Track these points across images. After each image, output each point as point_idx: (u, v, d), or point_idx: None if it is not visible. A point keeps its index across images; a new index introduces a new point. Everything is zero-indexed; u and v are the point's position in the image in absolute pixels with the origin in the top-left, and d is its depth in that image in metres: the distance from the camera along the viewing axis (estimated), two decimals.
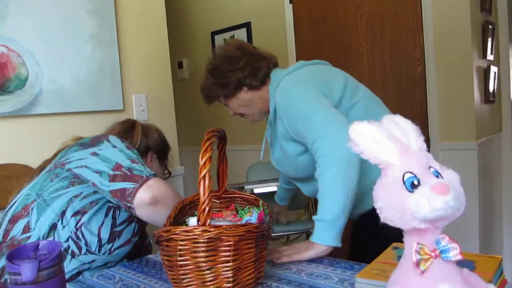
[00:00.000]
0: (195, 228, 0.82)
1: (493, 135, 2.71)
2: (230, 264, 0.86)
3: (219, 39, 3.48)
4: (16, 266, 0.67)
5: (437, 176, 0.61)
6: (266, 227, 0.93)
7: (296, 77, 1.33)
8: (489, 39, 2.58)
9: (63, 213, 1.16)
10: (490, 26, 2.59)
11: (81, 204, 1.18)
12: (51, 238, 1.15)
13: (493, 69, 2.66)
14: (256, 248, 0.91)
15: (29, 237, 1.16)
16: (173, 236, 0.84)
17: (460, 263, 0.75)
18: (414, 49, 2.51)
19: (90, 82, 1.88)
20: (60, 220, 1.15)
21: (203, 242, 0.83)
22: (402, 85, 2.56)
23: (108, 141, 1.23)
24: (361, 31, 2.68)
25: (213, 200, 1.12)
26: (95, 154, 1.19)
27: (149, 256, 1.27)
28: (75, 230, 1.16)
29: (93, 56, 1.88)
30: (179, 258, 0.85)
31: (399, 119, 0.67)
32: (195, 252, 0.84)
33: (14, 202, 1.23)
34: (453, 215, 0.59)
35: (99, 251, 1.19)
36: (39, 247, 0.74)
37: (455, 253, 0.60)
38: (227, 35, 3.41)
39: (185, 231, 0.83)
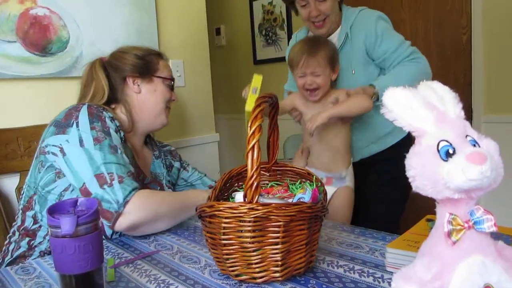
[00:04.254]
0: (241, 205, 0.76)
1: None
2: (279, 246, 0.78)
3: (257, 5, 3.42)
4: (56, 220, 0.71)
5: (474, 145, 0.59)
6: (321, 207, 0.84)
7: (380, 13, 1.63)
8: None
9: None
10: None
11: (72, 197, 1.12)
12: None
13: None
14: (309, 230, 0.82)
15: (40, 227, 1.17)
16: (216, 212, 0.78)
17: (498, 237, 0.73)
18: (460, 17, 2.38)
19: None
20: None
21: (249, 221, 0.76)
22: (446, 54, 2.45)
23: (77, 125, 1.13)
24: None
25: (262, 172, 1.05)
26: (62, 152, 1.12)
27: None
28: None
29: (131, 20, 1.90)
30: (223, 237, 0.79)
31: (436, 85, 0.65)
32: (241, 231, 0.77)
33: (23, 192, 1.23)
34: (489, 186, 0.57)
35: (110, 237, 1.17)
36: (78, 204, 0.77)
37: (489, 225, 0.58)
38: (265, 1, 3.35)
39: (230, 207, 0.76)
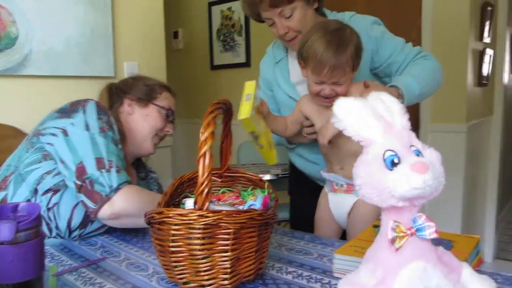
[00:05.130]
0: (191, 212, 0.75)
1: (483, 118, 2.72)
2: (228, 254, 0.78)
3: (216, 10, 3.42)
4: None
5: (418, 155, 0.61)
6: (271, 214, 0.84)
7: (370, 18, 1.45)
8: (487, 21, 2.56)
9: (36, 190, 1.11)
10: (489, 8, 2.56)
11: (54, 182, 1.11)
12: None
13: (489, 52, 2.65)
14: (259, 237, 0.82)
15: None
16: (165, 219, 0.76)
17: (439, 242, 0.76)
18: (411, 30, 2.48)
19: (81, 46, 1.85)
20: (34, 198, 1.11)
21: (199, 228, 0.75)
22: None
23: (84, 112, 1.15)
24: (360, 7, 2.64)
25: (214, 178, 1.04)
26: (65, 133, 1.11)
27: None
28: (47, 210, 1.10)
29: (85, 18, 1.85)
30: (172, 244, 0.77)
31: (385, 96, 0.67)
32: (190, 238, 0.76)
33: None
34: (431, 194, 0.59)
35: (69, 235, 1.14)
36: (18, 209, 0.73)
37: (431, 232, 0.61)
38: (224, 6, 3.35)
39: (180, 214, 0.75)
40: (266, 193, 0.96)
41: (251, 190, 1.03)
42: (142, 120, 1.33)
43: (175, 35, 3.70)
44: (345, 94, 1.21)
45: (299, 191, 1.64)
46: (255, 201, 0.89)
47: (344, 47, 1.16)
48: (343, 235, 1.31)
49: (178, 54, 3.71)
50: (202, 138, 0.75)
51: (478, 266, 0.88)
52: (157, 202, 1.07)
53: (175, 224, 0.76)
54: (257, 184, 1.04)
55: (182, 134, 3.51)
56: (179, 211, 0.76)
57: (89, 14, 1.85)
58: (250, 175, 1.06)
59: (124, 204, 1.07)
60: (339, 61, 1.15)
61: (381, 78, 1.43)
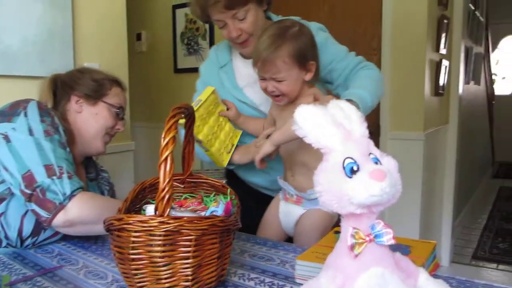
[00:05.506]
0: (152, 219, 0.73)
1: (440, 126, 2.82)
2: (189, 260, 0.77)
3: (180, 13, 3.39)
4: None
5: (376, 163, 0.62)
6: (233, 221, 0.84)
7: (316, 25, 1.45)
8: (443, 33, 2.66)
9: None
10: (445, 21, 2.66)
11: None
12: None
13: (445, 63, 2.75)
14: (221, 243, 0.82)
15: None
16: (125, 225, 0.75)
17: (397, 248, 0.78)
18: (372, 39, 2.55)
19: (39, 45, 1.79)
20: None
21: (159, 235, 0.74)
22: None
23: (26, 114, 1.08)
24: (322, 15, 2.69)
25: (176, 184, 1.04)
26: (7, 139, 1.05)
27: None
28: None
29: (43, 17, 1.79)
30: (132, 251, 0.75)
31: (344, 104, 0.68)
32: (151, 245, 0.75)
33: None
34: (389, 201, 0.61)
35: (21, 245, 1.10)
36: None
37: (388, 238, 0.62)
38: (188, 9, 3.32)
39: (140, 221, 0.74)
40: (228, 199, 0.96)
41: (214, 196, 1.03)
42: (91, 119, 1.26)
43: (138, 37, 3.64)
44: (291, 93, 1.20)
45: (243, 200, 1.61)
46: (217, 207, 0.89)
47: (280, 42, 1.15)
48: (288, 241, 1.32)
49: (141, 57, 3.65)
50: (163, 143, 0.74)
51: (434, 271, 0.91)
52: (112, 208, 1.04)
53: (135, 231, 0.74)
54: (220, 190, 1.03)
55: (144, 138, 3.45)
56: (139, 217, 0.75)
57: (48, 13, 1.80)
58: (213, 180, 1.05)
59: (79, 211, 1.03)
60: (271, 55, 1.14)
61: (324, 84, 1.43)
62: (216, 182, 1.05)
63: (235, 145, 1.36)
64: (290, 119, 1.16)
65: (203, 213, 0.91)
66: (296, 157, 1.24)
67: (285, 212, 1.29)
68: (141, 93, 3.53)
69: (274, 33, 1.18)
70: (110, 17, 2.09)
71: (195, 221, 0.76)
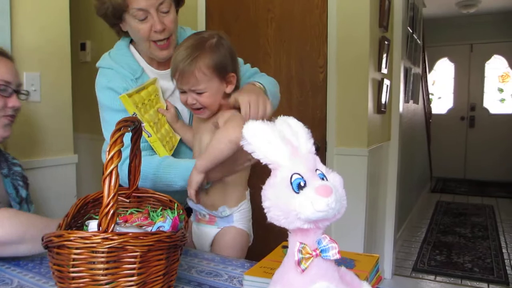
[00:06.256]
0: (94, 235, 0.71)
1: (382, 143, 2.93)
2: (134, 278, 0.74)
3: None
4: None
5: (323, 179, 0.64)
6: (181, 236, 0.81)
7: None
8: (384, 54, 2.79)
9: None
10: (386, 42, 2.79)
11: None
12: None
13: (386, 82, 2.88)
14: (167, 260, 0.80)
15: None
16: (66, 242, 0.71)
17: (342, 262, 0.79)
18: (318, 57, 2.62)
19: None
20: None
21: (103, 252, 0.71)
22: (305, 89, 2.67)
23: None
24: (270, 33, 2.74)
25: (121, 199, 1.01)
26: None
27: None
28: None
29: None
30: (72, 269, 0.72)
31: (292, 121, 0.70)
32: (93, 263, 0.72)
33: None
34: (334, 216, 0.62)
35: None
36: None
37: (334, 253, 0.63)
38: None
39: (82, 237, 0.71)
40: (175, 214, 0.94)
41: (161, 211, 1.00)
42: None
43: (83, 47, 3.54)
44: (212, 105, 1.19)
45: None
46: (164, 222, 0.87)
47: (198, 53, 1.14)
48: None
49: (86, 67, 3.54)
50: (109, 156, 0.72)
51: (377, 283, 0.93)
52: (37, 226, 1.00)
53: (76, 248, 0.71)
54: (167, 204, 1.01)
55: (87, 150, 3.33)
56: (81, 233, 0.72)
57: None
58: (159, 195, 1.03)
59: (0, 231, 0.96)
60: (189, 67, 1.13)
61: None
62: (163, 196, 1.03)
63: (175, 146, 1.34)
64: (204, 135, 1.21)
65: (149, 229, 0.89)
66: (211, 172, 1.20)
67: (198, 234, 1.28)
68: (85, 104, 3.41)
69: (191, 44, 1.16)
70: (52, 24, 2.01)
71: (141, 237, 0.73)
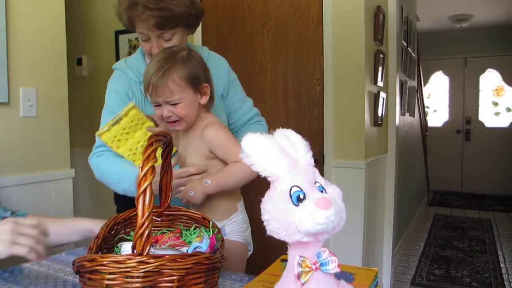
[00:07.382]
0: (129, 258, 0.65)
1: (379, 155, 2.93)
2: None
3: (123, 39, 3.35)
4: None
5: (322, 191, 0.63)
6: (219, 258, 0.76)
7: None
8: (380, 67, 2.81)
9: None
10: (381, 55, 2.81)
11: None
12: None
13: (382, 95, 2.89)
14: (205, 283, 0.74)
15: None
16: (98, 267, 0.66)
17: (341, 275, 0.79)
18: (314, 70, 2.63)
19: None
20: None
21: (138, 277, 0.66)
22: (302, 102, 2.67)
23: None
24: (266, 46, 2.76)
25: (153, 218, 0.94)
26: None
27: (25, 265, 1.15)
28: None
29: None
30: None
31: (290, 133, 0.69)
32: None
33: None
34: (334, 229, 0.62)
35: None
36: None
37: (333, 266, 0.63)
38: (132, 35, 3.29)
39: (116, 261, 0.65)
40: (211, 233, 0.89)
41: (194, 229, 0.96)
42: None
43: (79, 61, 3.55)
44: (189, 117, 1.21)
45: None
46: (201, 242, 0.82)
47: (169, 65, 1.16)
48: None
49: (82, 82, 3.55)
50: (142, 173, 0.66)
51: None
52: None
53: (110, 273, 0.66)
54: (200, 222, 0.96)
55: (84, 165, 3.31)
56: (114, 257, 0.66)
57: None
58: (192, 213, 0.99)
59: None
60: (162, 79, 1.15)
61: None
62: (196, 214, 0.98)
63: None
64: (190, 150, 1.25)
65: (184, 249, 0.84)
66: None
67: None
68: (82, 119, 3.41)
69: (163, 57, 1.19)
70: (49, 39, 2.02)
71: (178, 260, 0.68)
